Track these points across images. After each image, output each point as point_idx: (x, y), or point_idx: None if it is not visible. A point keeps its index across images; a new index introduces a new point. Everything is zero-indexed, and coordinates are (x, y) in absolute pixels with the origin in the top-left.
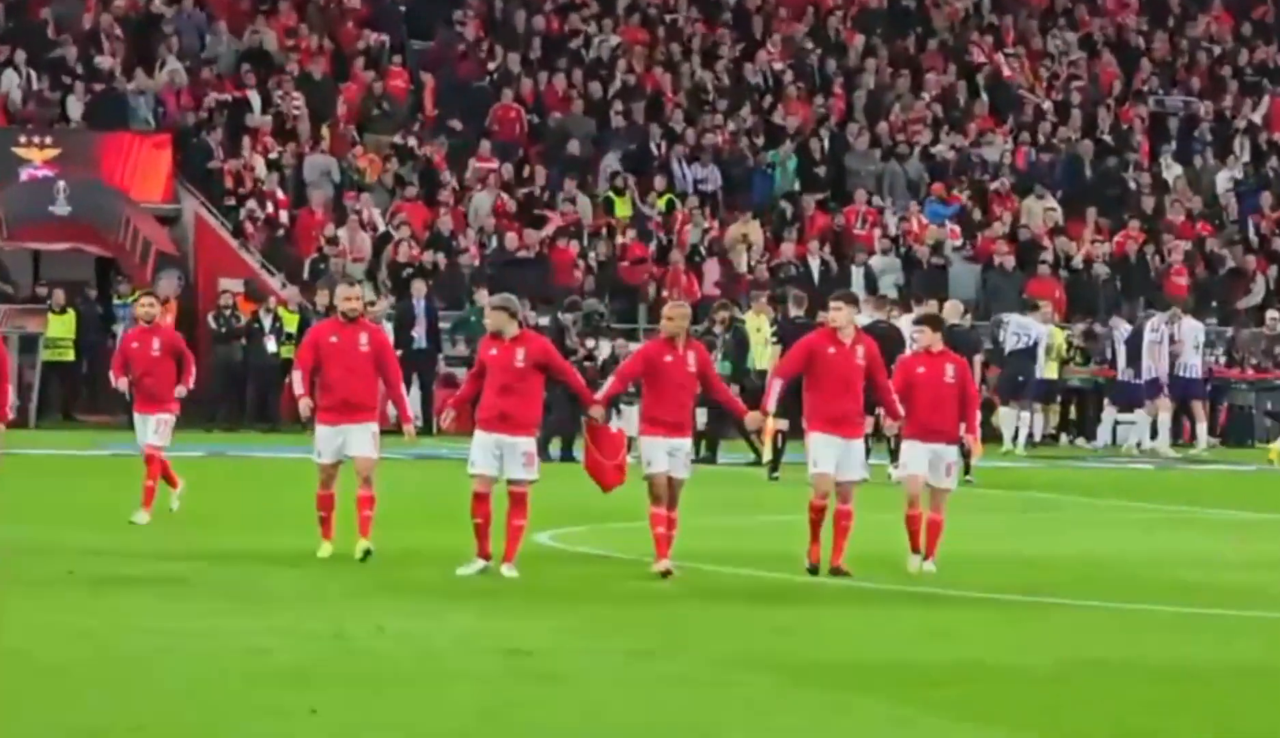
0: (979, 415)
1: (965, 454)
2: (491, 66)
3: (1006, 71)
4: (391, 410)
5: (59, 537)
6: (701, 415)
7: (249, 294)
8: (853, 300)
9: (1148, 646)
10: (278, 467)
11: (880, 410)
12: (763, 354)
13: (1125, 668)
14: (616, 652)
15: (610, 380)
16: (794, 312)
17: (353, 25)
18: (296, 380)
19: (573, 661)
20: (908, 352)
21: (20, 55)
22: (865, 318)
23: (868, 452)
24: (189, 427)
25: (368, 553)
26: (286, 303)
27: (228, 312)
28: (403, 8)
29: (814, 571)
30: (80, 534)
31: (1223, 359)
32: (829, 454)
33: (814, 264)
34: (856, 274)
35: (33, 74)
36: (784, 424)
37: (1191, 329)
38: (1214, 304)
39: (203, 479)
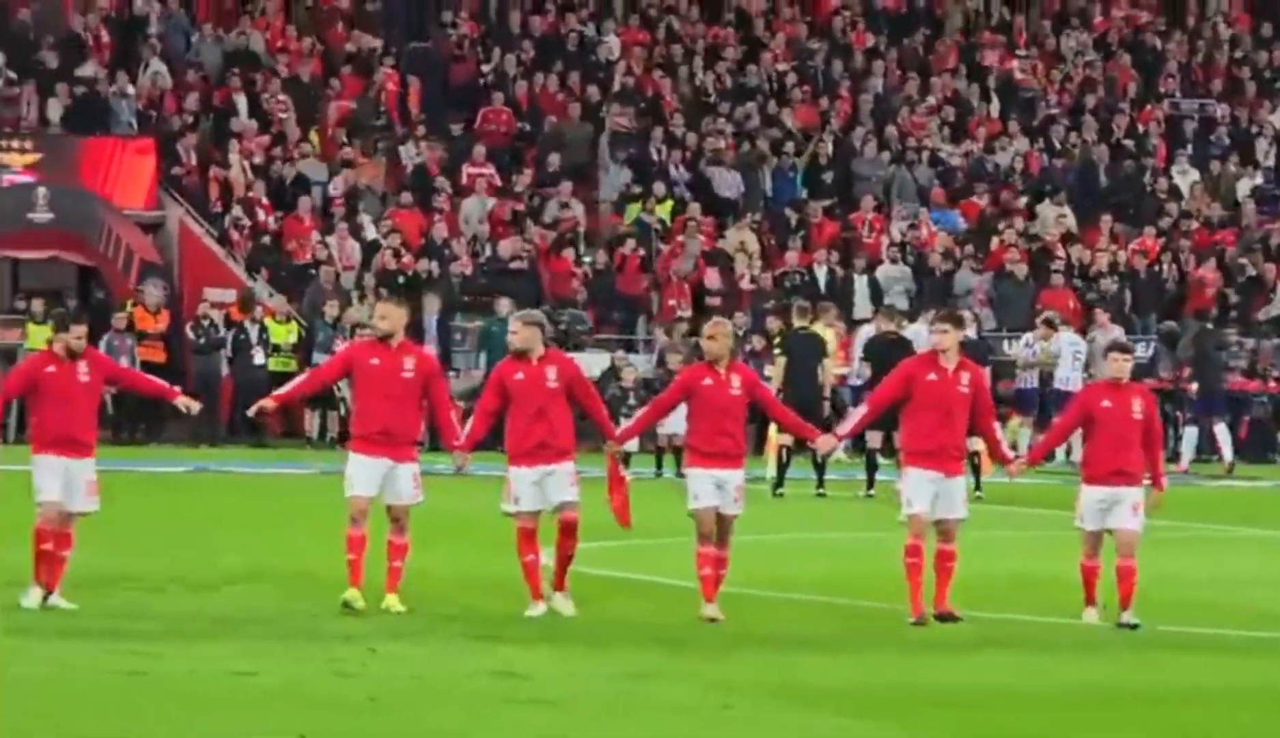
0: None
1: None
2: (485, 68)
3: (1019, 74)
4: None
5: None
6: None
7: (243, 304)
8: (959, 322)
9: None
10: (266, 483)
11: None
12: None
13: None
14: (612, 676)
15: (642, 412)
16: (798, 323)
17: (342, 26)
18: (292, 384)
19: (565, 684)
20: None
21: (0, 56)
22: (871, 330)
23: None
24: (174, 442)
25: (392, 610)
26: (275, 313)
27: (206, 322)
28: (394, 10)
29: (920, 623)
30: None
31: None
32: (925, 492)
33: (820, 273)
34: (861, 283)
35: (11, 75)
36: (788, 440)
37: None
38: (1233, 314)
39: (188, 496)
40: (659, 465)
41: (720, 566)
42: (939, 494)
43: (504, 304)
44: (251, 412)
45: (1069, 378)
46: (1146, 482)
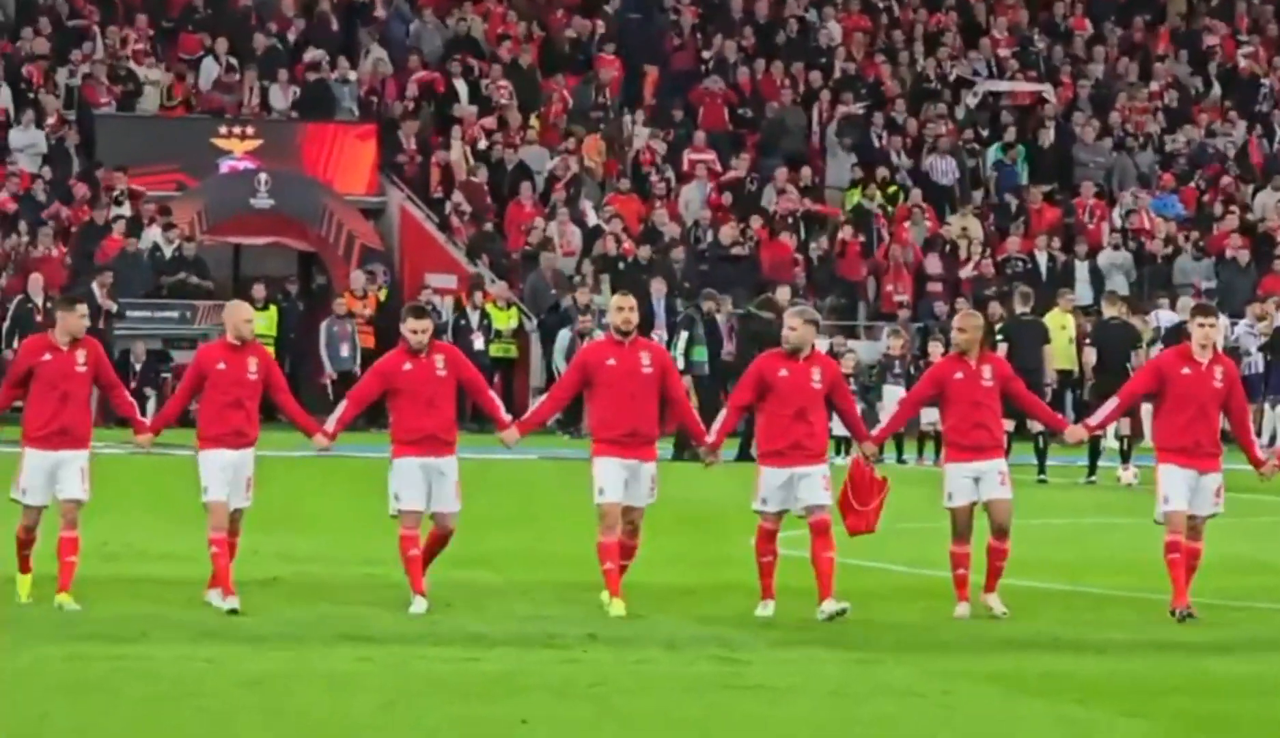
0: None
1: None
2: (706, 55)
3: (1242, 63)
4: None
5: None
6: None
7: (471, 289)
8: (1213, 313)
9: None
10: (498, 469)
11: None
12: (1065, 355)
13: None
14: (834, 661)
15: (896, 411)
16: (1020, 309)
17: (562, 13)
18: (538, 405)
19: (785, 671)
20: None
21: (221, 44)
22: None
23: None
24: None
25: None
26: (496, 299)
27: (429, 307)
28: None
29: (1187, 615)
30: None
31: None
32: (1182, 489)
33: (1041, 259)
34: (1082, 270)
35: (233, 63)
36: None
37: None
38: None
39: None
40: (920, 452)
41: (999, 558)
42: (1193, 492)
43: (784, 292)
44: None
45: None
46: None
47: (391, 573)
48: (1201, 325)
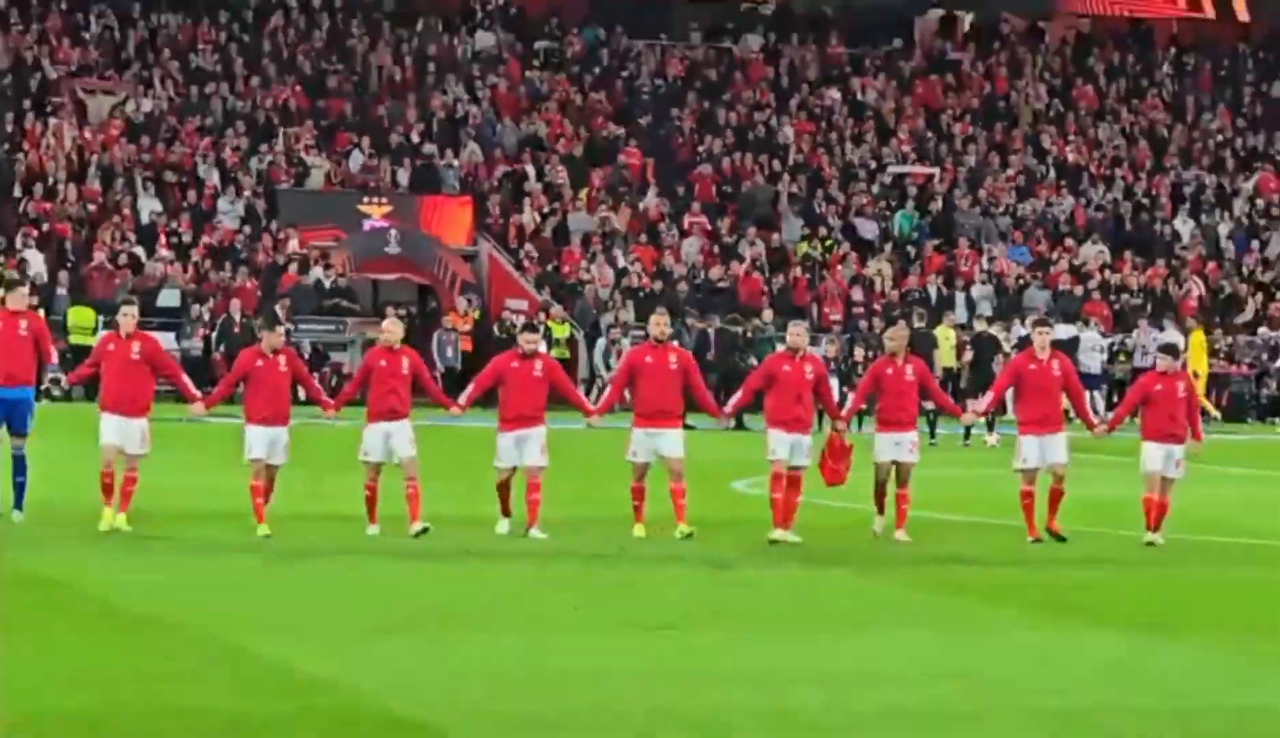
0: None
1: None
2: (700, 149)
3: (1071, 157)
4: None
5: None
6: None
7: (538, 311)
8: (1049, 324)
9: None
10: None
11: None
12: (949, 357)
13: None
14: (798, 567)
15: (853, 399)
16: (917, 324)
17: (601, 119)
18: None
19: (762, 574)
20: (1009, 353)
21: (365, 141)
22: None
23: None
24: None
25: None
26: (554, 317)
27: (507, 323)
28: (637, 109)
29: (1036, 542)
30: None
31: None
32: (1035, 451)
33: (932, 291)
34: (960, 298)
35: (373, 154)
36: None
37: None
38: (1217, 319)
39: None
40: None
41: (903, 502)
42: (1045, 449)
43: (768, 314)
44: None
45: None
46: None
47: (490, 509)
48: (1041, 333)
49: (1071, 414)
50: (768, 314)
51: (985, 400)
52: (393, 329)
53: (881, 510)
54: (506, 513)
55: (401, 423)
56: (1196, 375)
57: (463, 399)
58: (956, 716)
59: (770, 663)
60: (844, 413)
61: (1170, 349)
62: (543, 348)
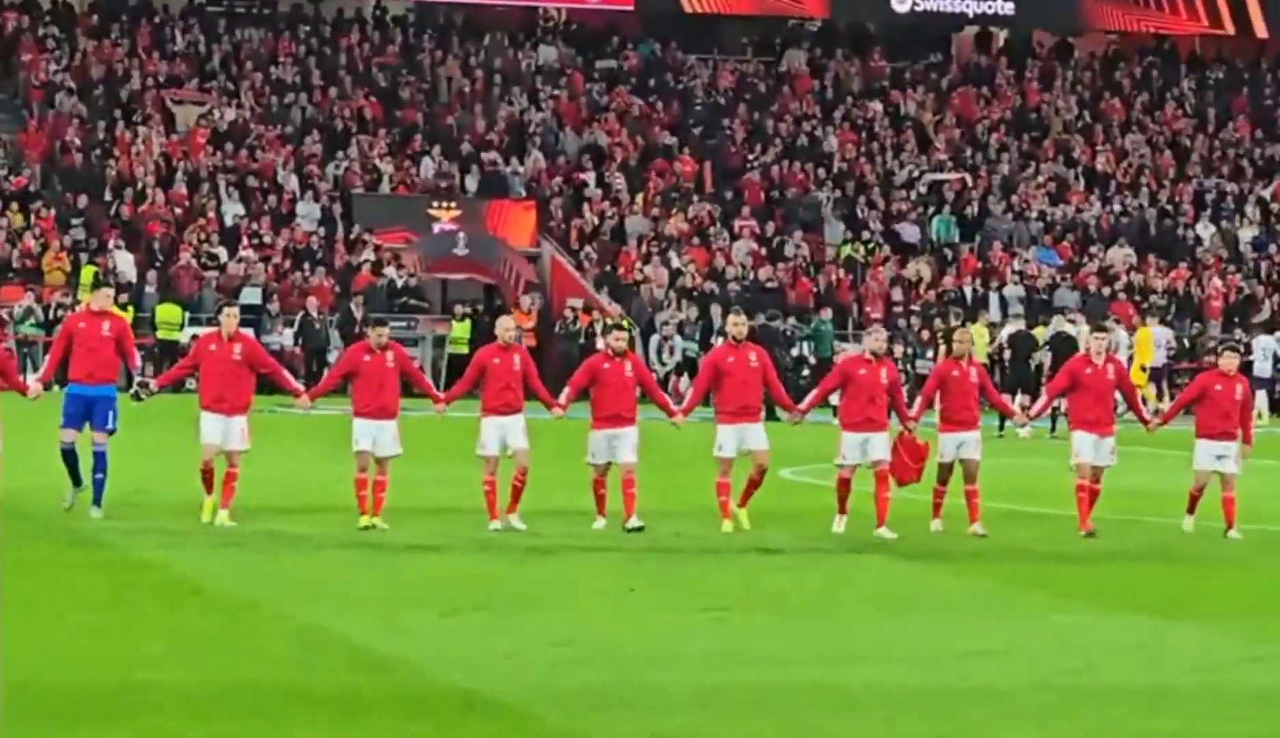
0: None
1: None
2: (750, 157)
3: (1099, 164)
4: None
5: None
6: None
7: (585, 308)
8: (1106, 331)
9: None
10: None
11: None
12: (983, 354)
13: None
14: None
15: (920, 401)
16: (953, 323)
17: (657, 129)
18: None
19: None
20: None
21: (435, 149)
22: (1011, 328)
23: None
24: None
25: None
26: (612, 315)
27: (569, 320)
28: (690, 120)
29: (1090, 535)
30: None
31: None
32: (1089, 449)
33: (968, 291)
34: (994, 298)
35: (443, 161)
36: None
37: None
38: (1236, 320)
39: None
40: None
41: (973, 496)
42: (1097, 448)
43: (826, 312)
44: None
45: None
46: None
47: (586, 499)
48: (1098, 338)
49: (1121, 410)
50: (826, 313)
51: (1039, 404)
52: (503, 326)
53: (938, 512)
54: (602, 512)
55: (515, 416)
56: (1143, 369)
57: (562, 399)
58: (989, 693)
59: (813, 646)
60: (912, 414)
61: (1234, 348)
62: (599, 344)
